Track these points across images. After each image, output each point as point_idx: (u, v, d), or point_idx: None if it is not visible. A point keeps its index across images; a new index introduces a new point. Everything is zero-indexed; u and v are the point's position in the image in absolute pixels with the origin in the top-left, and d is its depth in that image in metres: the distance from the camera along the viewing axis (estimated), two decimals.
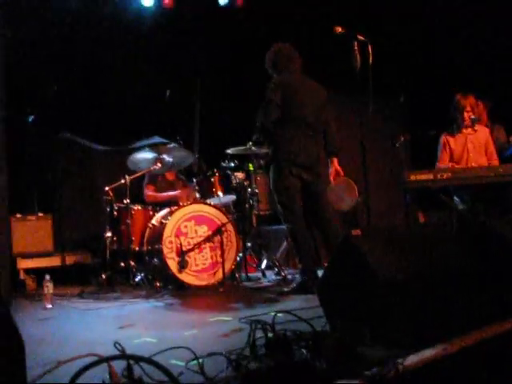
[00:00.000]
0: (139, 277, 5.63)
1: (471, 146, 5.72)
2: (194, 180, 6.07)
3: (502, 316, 2.81)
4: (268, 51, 5.21)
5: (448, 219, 5.53)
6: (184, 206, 5.47)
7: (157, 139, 6.91)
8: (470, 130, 5.73)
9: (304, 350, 2.37)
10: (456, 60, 7.35)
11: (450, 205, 5.47)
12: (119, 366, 2.02)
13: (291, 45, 5.21)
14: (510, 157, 6.14)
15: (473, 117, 5.67)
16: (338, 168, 5.15)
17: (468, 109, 5.66)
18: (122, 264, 5.66)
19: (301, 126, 4.92)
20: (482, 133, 5.78)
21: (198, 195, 5.90)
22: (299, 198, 4.97)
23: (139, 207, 5.87)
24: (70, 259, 6.32)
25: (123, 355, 2.19)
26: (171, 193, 6.43)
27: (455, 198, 5.65)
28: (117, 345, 2.33)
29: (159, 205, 6.02)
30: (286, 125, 4.90)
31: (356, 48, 4.46)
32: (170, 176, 6.62)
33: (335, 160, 5.17)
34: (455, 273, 2.90)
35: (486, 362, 2.46)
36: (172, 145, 6.07)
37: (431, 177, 4.98)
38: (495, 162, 5.70)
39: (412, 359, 2.27)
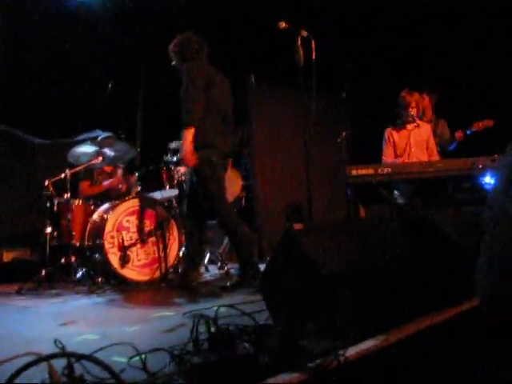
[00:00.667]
0: (80, 273, 5.54)
1: (414, 141, 5.87)
2: (136, 174, 6.00)
3: (441, 305, 2.89)
4: (174, 41, 5.14)
5: (388, 213, 5.66)
6: (126, 200, 5.41)
7: (98, 133, 6.80)
8: (413, 125, 5.88)
9: (247, 344, 2.37)
10: (399, 55, 7.48)
11: (390, 199, 5.59)
12: (60, 364, 1.98)
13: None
14: (453, 151, 6.32)
15: (411, 113, 5.82)
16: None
17: (413, 105, 5.81)
18: (63, 260, 5.55)
19: (219, 115, 4.86)
20: (424, 129, 5.94)
21: (140, 189, 5.84)
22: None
23: (80, 202, 5.77)
24: (8, 256, 6.18)
25: (63, 353, 2.15)
26: (105, 183, 6.31)
27: (395, 191, 5.78)
28: (57, 342, 2.28)
29: (101, 199, 5.93)
30: (209, 113, 4.76)
31: (299, 44, 4.49)
32: (107, 168, 6.49)
33: None
34: (395, 265, 2.97)
35: (425, 351, 2.53)
36: (114, 136, 6.00)
37: (372, 171, 5.08)
38: (435, 157, 5.87)
39: (353, 350, 2.31)
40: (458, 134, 6.23)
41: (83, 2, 7.12)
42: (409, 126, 5.88)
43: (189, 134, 4.58)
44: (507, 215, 0.54)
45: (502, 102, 6.47)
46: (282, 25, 4.52)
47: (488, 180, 5.30)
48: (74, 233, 5.55)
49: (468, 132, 6.19)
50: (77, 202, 5.73)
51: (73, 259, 5.49)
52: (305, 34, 4.49)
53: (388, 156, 5.90)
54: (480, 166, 5.15)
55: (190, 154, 4.60)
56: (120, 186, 6.05)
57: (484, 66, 6.86)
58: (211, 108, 4.75)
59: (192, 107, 4.60)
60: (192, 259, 4.92)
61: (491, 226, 0.55)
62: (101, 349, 2.48)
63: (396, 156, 5.89)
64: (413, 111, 5.82)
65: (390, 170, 5.13)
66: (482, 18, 6.62)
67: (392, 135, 5.93)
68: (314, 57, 4.42)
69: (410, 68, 7.27)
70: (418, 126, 5.90)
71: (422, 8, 6.98)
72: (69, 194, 5.63)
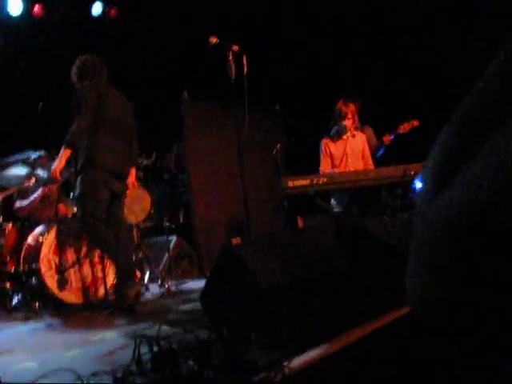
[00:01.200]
0: (16, 299, 5.37)
1: (350, 151, 5.96)
2: (72, 194, 5.89)
3: (380, 312, 2.95)
4: (74, 63, 5.18)
5: (326, 223, 5.73)
6: (62, 221, 5.30)
7: (30, 153, 6.63)
8: (349, 135, 5.97)
9: (191, 361, 2.36)
10: (324, 64, 7.64)
11: (327, 209, 5.67)
12: None
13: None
14: (381, 157, 6.41)
15: (348, 124, 5.91)
16: (134, 179, 5.22)
17: (349, 116, 5.90)
18: None
19: (112, 134, 4.83)
20: (360, 138, 6.04)
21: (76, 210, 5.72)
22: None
23: (13, 225, 5.60)
24: None
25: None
26: (34, 195, 6.09)
27: (332, 200, 5.87)
28: None
29: (38, 219, 5.76)
30: (98, 132, 4.76)
31: (231, 58, 4.51)
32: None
33: (133, 171, 5.19)
34: (333, 273, 3.01)
35: (366, 357, 2.57)
36: (46, 156, 5.86)
37: (308, 182, 5.15)
38: (370, 166, 5.98)
39: (298, 361, 2.33)
40: (386, 138, 6.27)
41: (11, 22, 6.98)
42: (344, 137, 5.98)
43: (64, 153, 4.64)
44: (428, 218, 0.56)
45: (430, 103, 6.62)
46: (213, 40, 4.54)
47: (418, 185, 5.46)
48: (7, 258, 5.39)
49: (393, 135, 6.27)
50: (10, 225, 5.56)
51: (8, 285, 5.32)
52: (236, 48, 4.53)
53: (325, 166, 5.98)
54: (412, 173, 5.28)
55: (58, 171, 4.66)
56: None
57: (406, 67, 7.05)
58: (101, 127, 4.76)
59: (74, 129, 4.62)
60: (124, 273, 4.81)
61: (418, 230, 0.57)
62: (40, 377, 2.42)
63: (333, 166, 5.98)
64: (349, 122, 5.92)
65: (325, 179, 5.22)
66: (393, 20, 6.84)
67: (328, 146, 6.01)
68: (245, 71, 4.45)
69: (337, 76, 7.42)
70: (353, 135, 6.00)
71: (341, 17, 7.18)
72: (0, 218, 5.46)
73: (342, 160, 5.97)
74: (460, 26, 6.11)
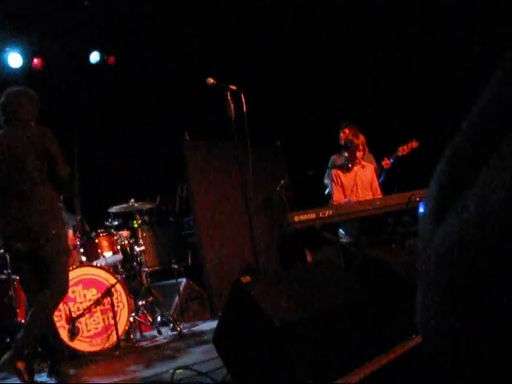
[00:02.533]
0: (27, 350, 5.33)
1: (360, 182, 5.97)
2: (78, 242, 5.90)
3: (394, 342, 2.91)
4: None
5: (334, 255, 5.71)
6: (70, 270, 5.29)
7: None
8: (359, 166, 5.98)
9: None
10: (320, 92, 7.71)
11: (335, 241, 5.65)
12: None
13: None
14: (386, 183, 6.38)
15: (356, 156, 5.91)
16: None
17: (360, 148, 5.92)
18: (8, 339, 5.34)
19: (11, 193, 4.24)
20: (369, 169, 6.06)
21: (83, 258, 5.72)
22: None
23: None
24: None
25: None
26: None
27: (340, 231, 5.85)
28: None
29: None
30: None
31: (229, 98, 4.55)
32: None
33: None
34: (344, 307, 2.99)
35: None
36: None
37: (314, 216, 5.14)
38: (379, 195, 5.96)
39: None
40: (385, 162, 6.25)
41: (11, 75, 7.08)
42: (355, 168, 5.98)
43: None
44: (429, 248, 0.56)
45: (434, 124, 6.59)
46: (210, 81, 4.59)
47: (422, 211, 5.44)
48: (17, 310, 5.37)
49: (392, 159, 6.23)
50: (18, 278, 5.55)
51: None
52: (233, 87, 4.57)
53: (338, 196, 5.96)
54: (417, 199, 5.27)
55: None
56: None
57: (404, 86, 7.09)
58: None
59: None
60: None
61: (421, 257, 0.57)
62: None
63: (344, 196, 5.97)
64: (360, 154, 5.93)
65: (331, 212, 5.21)
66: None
67: (339, 176, 6.01)
68: (244, 109, 4.49)
69: (335, 102, 7.49)
70: (363, 166, 6.01)
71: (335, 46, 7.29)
72: (10, 270, 5.46)
73: (352, 191, 5.97)
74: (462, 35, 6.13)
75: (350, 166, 6.00)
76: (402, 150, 6.19)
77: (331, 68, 7.51)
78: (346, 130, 6.15)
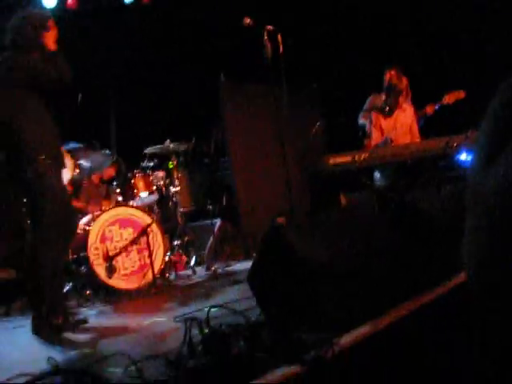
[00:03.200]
0: (67, 287, 5.49)
1: (399, 125, 5.87)
2: (115, 183, 5.97)
3: (429, 285, 2.92)
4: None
5: (369, 199, 5.69)
6: (107, 210, 5.38)
7: (72, 144, 6.74)
8: (400, 110, 5.88)
9: (241, 342, 2.38)
10: (365, 42, 7.53)
11: (370, 185, 5.62)
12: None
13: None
14: (421, 129, 6.26)
15: (398, 99, 5.80)
16: None
17: (403, 93, 5.81)
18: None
19: None
20: (409, 113, 5.94)
21: (120, 198, 5.81)
22: None
23: None
24: None
25: (58, 370, 2.14)
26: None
27: (376, 174, 5.79)
28: (51, 360, 2.27)
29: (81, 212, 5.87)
30: None
31: (266, 38, 4.48)
32: (95, 179, 6.35)
33: None
34: (379, 249, 2.99)
35: (414, 333, 2.56)
36: (88, 146, 5.94)
37: (349, 159, 5.10)
38: (417, 139, 5.86)
39: (347, 338, 2.33)
40: (430, 108, 6.06)
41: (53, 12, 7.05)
42: (396, 112, 5.88)
43: None
44: (484, 192, 0.55)
45: (470, 76, 6.44)
46: (247, 21, 4.51)
47: (464, 157, 5.34)
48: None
49: (437, 106, 6.07)
50: None
51: None
52: (270, 28, 4.49)
53: (376, 139, 5.88)
54: (455, 145, 5.18)
55: None
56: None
57: (450, 36, 6.89)
58: None
59: None
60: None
61: (470, 202, 0.56)
62: (96, 362, 2.47)
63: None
64: (402, 98, 5.82)
65: (366, 155, 5.16)
66: None
67: (379, 119, 5.91)
68: (281, 50, 4.42)
69: (376, 48, 7.30)
70: (404, 110, 5.90)
71: None
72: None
73: (390, 135, 5.89)
74: None
75: (391, 109, 5.90)
76: (448, 99, 6.01)
77: (375, 5, 7.28)
78: (392, 72, 5.98)
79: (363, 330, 2.43)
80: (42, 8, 7.01)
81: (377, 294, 2.75)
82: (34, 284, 3.74)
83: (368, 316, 2.54)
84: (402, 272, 2.93)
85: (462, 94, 5.99)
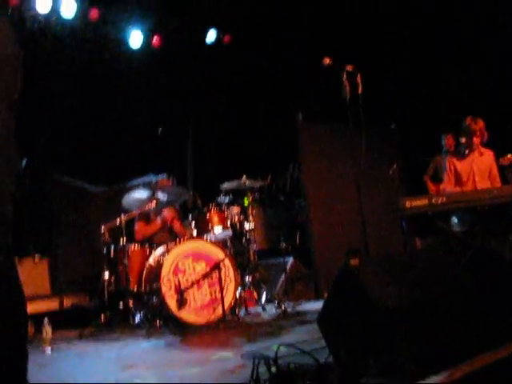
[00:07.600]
0: (138, 317, 5.57)
1: (477, 169, 5.73)
2: (190, 216, 6.06)
3: (506, 339, 2.79)
4: None
5: (445, 244, 5.52)
6: (181, 243, 5.45)
7: (151, 177, 6.91)
8: (476, 153, 5.75)
9: (308, 383, 2.34)
10: (443, 85, 7.44)
11: (447, 230, 5.46)
12: None
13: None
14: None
15: (472, 142, 5.67)
16: None
17: (478, 134, 5.69)
18: (121, 305, 5.61)
19: None
20: (488, 157, 5.79)
21: (194, 232, 5.87)
22: None
23: (136, 247, 5.84)
24: (67, 302, 6.28)
25: None
26: (157, 221, 6.29)
27: (453, 219, 5.63)
28: None
29: (156, 243, 5.97)
30: None
31: (345, 78, 4.48)
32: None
33: None
34: (456, 297, 2.89)
35: None
36: (166, 179, 6.07)
37: (426, 202, 4.98)
38: (498, 184, 5.70)
39: None
40: (506, 159, 5.88)
41: (133, 55, 7.34)
42: (472, 154, 5.75)
43: None
44: None
45: None
46: (327, 61, 4.53)
47: None
48: (130, 278, 5.62)
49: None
50: (133, 247, 5.81)
51: (131, 303, 5.54)
52: (350, 68, 4.50)
53: (447, 184, 5.76)
54: None
55: None
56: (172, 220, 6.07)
57: None
58: None
59: None
60: None
61: None
62: None
63: (459, 184, 5.75)
64: (477, 140, 5.69)
65: (444, 199, 5.03)
66: None
67: (454, 163, 5.79)
68: (360, 90, 4.41)
69: (455, 93, 7.19)
70: (481, 154, 5.76)
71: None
72: (124, 239, 5.71)
73: (468, 178, 5.74)
74: None
75: (466, 152, 5.77)
76: None
77: (453, 51, 7.21)
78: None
79: (436, 379, 2.33)
80: (129, 49, 7.29)
81: (452, 342, 2.65)
82: None
83: (439, 367, 2.44)
84: (480, 323, 2.81)
85: None
